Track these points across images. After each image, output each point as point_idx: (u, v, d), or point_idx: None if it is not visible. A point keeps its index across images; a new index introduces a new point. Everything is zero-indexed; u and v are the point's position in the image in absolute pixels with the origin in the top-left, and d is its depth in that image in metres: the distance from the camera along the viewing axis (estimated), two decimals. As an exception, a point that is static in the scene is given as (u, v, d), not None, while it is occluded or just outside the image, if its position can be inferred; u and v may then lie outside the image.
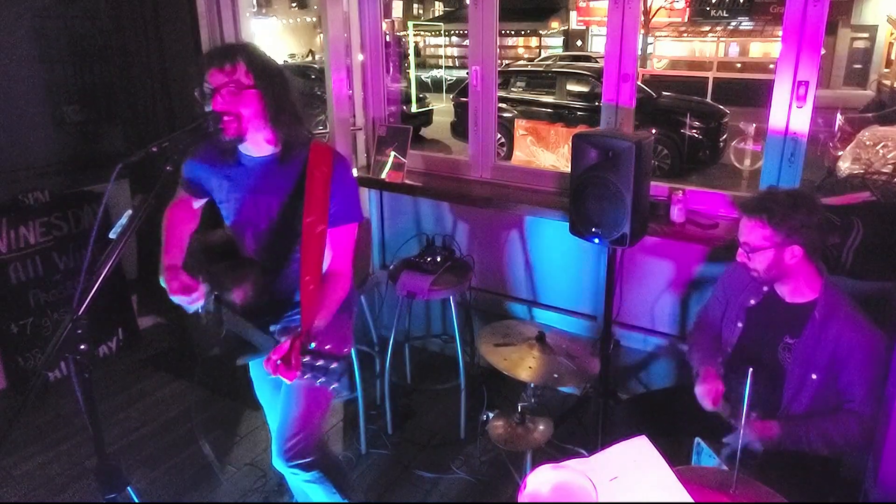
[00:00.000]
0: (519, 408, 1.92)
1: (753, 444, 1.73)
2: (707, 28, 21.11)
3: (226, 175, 1.78)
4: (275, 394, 1.96)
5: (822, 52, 2.43)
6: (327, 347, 1.44)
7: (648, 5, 19.81)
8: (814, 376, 1.78)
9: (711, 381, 1.86)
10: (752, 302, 1.94)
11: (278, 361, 1.44)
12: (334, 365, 1.41)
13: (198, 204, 1.94)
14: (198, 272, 1.74)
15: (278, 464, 1.84)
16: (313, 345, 1.45)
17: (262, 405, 2.05)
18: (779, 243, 1.74)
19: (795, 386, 1.81)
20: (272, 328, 1.83)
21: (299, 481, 1.89)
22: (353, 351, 2.03)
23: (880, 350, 1.72)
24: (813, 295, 1.81)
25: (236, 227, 1.83)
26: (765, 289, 1.92)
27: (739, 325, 1.96)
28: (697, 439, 1.80)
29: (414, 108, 11.29)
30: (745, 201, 1.83)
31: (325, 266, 1.69)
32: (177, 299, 1.67)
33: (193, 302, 1.68)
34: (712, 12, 22.03)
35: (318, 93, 11.30)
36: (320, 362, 1.42)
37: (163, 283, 1.71)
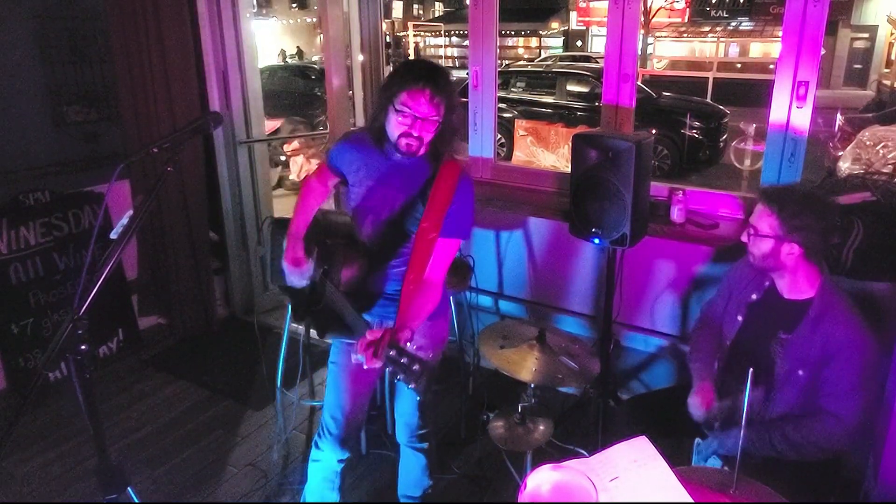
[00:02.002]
0: (519, 408, 1.91)
1: (720, 451, 1.74)
2: (707, 28, 21.11)
3: (366, 162, 1.88)
4: (347, 379, 2.01)
5: (822, 52, 2.43)
6: (415, 348, 1.50)
7: (648, 5, 19.81)
8: (800, 372, 1.78)
9: (704, 394, 1.89)
10: (754, 297, 1.96)
11: (368, 345, 1.52)
12: (416, 367, 1.45)
13: (332, 182, 2.06)
14: (314, 243, 1.87)
15: (402, 438, 2.18)
16: (408, 344, 1.53)
17: (328, 384, 2.07)
18: (780, 236, 1.76)
19: (782, 381, 1.82)
20: (364, 316, 1.90)
21: (411, 448, 2.19)
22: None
23: (868, 353, 1.72)
24: (811, 293, 1.82)
25: (358, 212, 1.92)
26: (766, 284, 1.93)
27: (739, 318, 1.98)
28: (697, 439, 1.80)
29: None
30: (767, 188, 1.89)
31: None
32: (286, 268, 1.84)
33: (299, 276, 1.85)
34: (712, 12, 22.03)
35: (318, 93, 11.31)
36: (403, 360, 1.46)
37: (284, 245, 1.90)
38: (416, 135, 1.71)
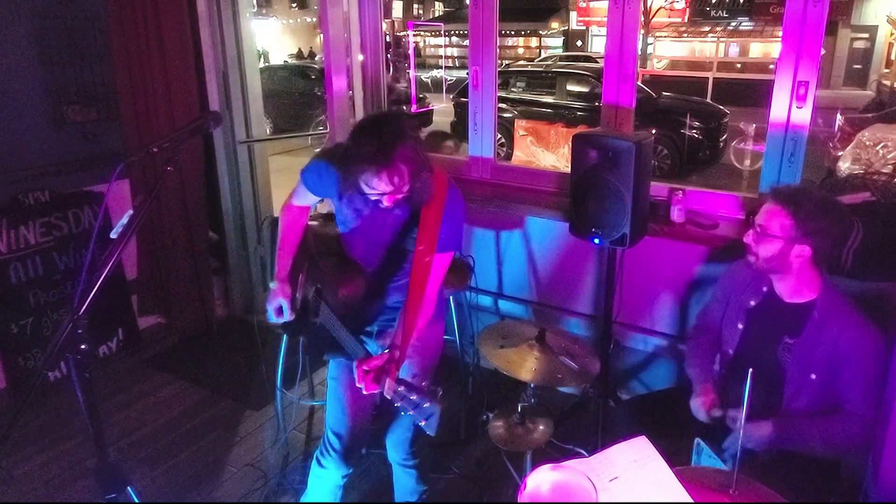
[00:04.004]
0: (519, 408, 1.91)
1: (747, 445, 1.73)
2: (707, 28, 21.11)
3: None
4: (347, 395, 2.00)
5: (822, 52, 2.43)
6: (423, 384, 1.51)
7: (648, 5, 19.81)
8: (813, 376, 1.77)
9: (706, 395, 1.89)
10: (752, 303, 1.94)
11: (366, 371, 1.53)
12: (427, 404, 1.46)
13: (313, 201, 2.02)
14: (304, 260, 1.87)
15: (394, 457, 2.19)
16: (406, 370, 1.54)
17: (328, 401, 2.07)
18: (792, 238, 1.73)
19: (795, 386, 1.81)
20: (367, 328, 1.94)
21: (402, 466, 2.20)
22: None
23: (879, 350, 1.71)
24: (812, 295, 1.81)
25: (348, 235, 1.91)
26: (764, 289, 1.91)
27: (740, 326, 1.96)
28: (697, 439, 1.80)
29: (414, 109, 11.29)
30: (780, 188, 1.84)
31: None
32: (269, 309, 1.90)
33: (280, 319, 1.90)
34: (712, 12, 22.03)
35: (318, 93, 11.32)
36: (413, 396, 1.47)
37: (271, 286, 1.92)
38: (388, 203, 1.67)
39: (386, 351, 1.69)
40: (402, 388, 1.47)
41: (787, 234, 1.74)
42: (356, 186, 1.66)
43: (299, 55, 23.21)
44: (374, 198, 1.68)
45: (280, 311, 1.90)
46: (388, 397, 1.50)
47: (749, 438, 1.74)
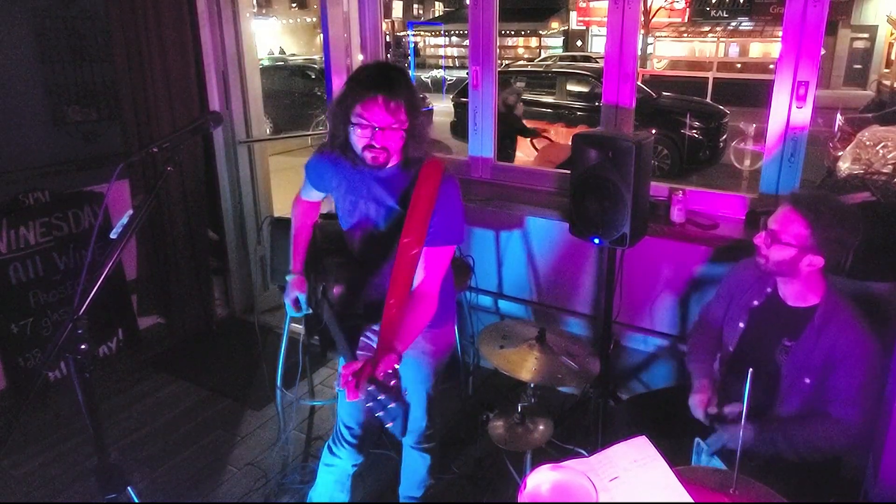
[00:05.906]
0: (519, 408, 1.91)
1: (729, 445, 1.73)
2: (707, 28, 21.12)
3: (344, 176, 1.82)
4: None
5: (822, 52, 2.43)
6: (392, 384, 1.46)
7: (648, 5, 19.82)
8: (807, 380, 1.77)
9: (704, 393, 1.89)
10: (755, 303, 1.94)
11: (349, 377, 1.49)
12: (392, 405, 1.42)
13: (320, 196, 2.04)
14: (313, 263, 1.93)
15: (408, 441, 2.14)
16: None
17: (339, 394, 2.04)
18: (807, 247, 1.71)
19: (788, 388, 1.81)
20: (374, 326, 1.92)
21: (416, 449, 2.17)
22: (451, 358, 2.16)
23: (873, 358, 1.71)
24: (815, 300, 1.80)
25: (347, 228, 1.90)
26: (768, 290, 1.91)
27: (741, 325, 1.96)
28: (697, 439, 1.80)
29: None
30: (799, 194, 1.80)
31: (414, 283, 1.68)
32: (287, 303, 1.95)
33: (297, 313, 1.97)
34: (712, 12, 22.05)
35: (318, 93, 11.32)
36: (381, 397, 1.44)
37: (288, 279, 1.99)
38: (379, 146, 1.62)
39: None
40: (371, 388, 1.43)
41: (802, 244, 1.71)
42: (349, 117, 1.61)
43: (270, 53, 23.16)
44: (366, 148, 1.63)
45: (297, 303, 1.95)
46: (362, 396, 1.46)
47: (732, 439, 1.74)
